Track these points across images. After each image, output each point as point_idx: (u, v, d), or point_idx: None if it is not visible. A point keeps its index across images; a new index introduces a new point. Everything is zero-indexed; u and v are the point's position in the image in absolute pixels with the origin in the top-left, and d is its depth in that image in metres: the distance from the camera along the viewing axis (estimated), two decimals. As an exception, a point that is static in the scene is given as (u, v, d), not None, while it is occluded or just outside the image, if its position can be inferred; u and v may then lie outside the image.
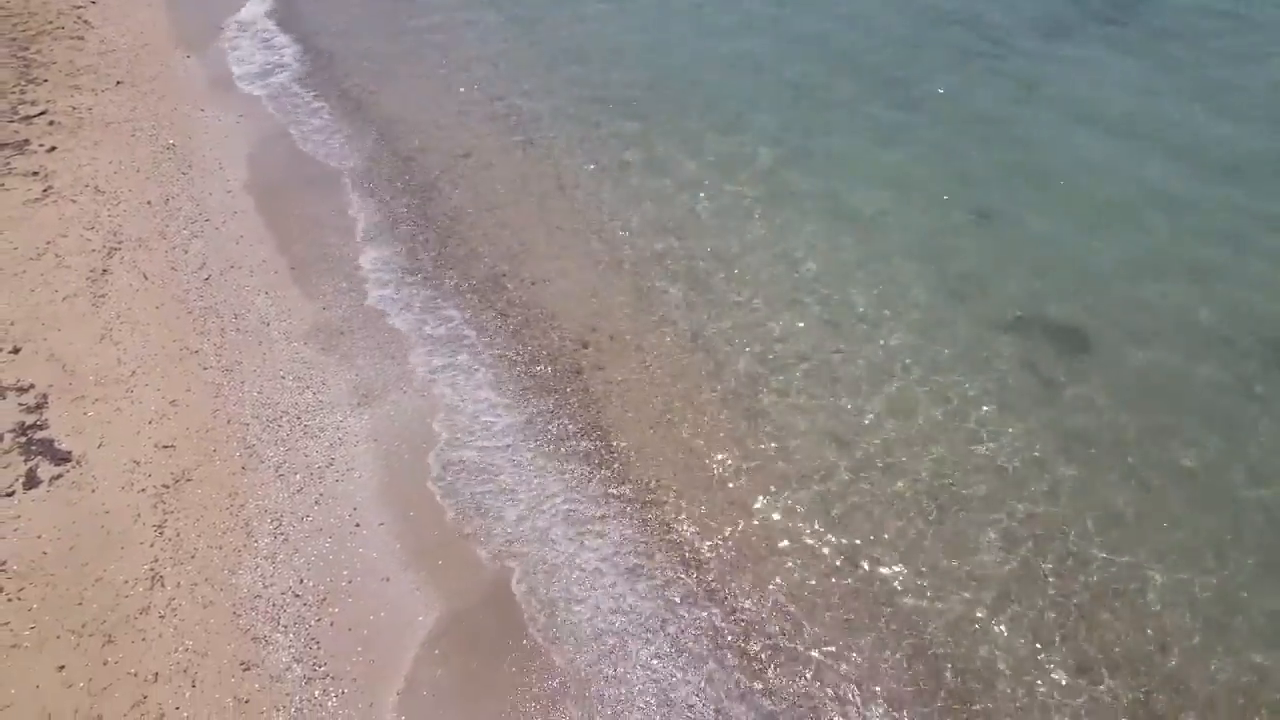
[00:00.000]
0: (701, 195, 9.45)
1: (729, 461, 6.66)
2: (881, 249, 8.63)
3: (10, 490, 6.15)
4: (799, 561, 6.00)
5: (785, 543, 6.12)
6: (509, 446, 6.75)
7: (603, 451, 6.75)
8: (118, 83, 11.29)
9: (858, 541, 6.12)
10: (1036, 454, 6.64)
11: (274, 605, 5.53)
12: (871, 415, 6.99)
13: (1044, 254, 8.46)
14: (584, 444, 6.81)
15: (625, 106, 11.00)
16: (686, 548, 6.09)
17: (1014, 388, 7.16)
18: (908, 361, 7.42)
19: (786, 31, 12.59)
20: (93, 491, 6.16)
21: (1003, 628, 5.58)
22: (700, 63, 11.91)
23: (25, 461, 6.38)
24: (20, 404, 6.78)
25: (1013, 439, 6.75)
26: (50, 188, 9.25)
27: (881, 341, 7.63)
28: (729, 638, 5.54)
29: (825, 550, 6.07)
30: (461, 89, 11.53)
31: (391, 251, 8.78)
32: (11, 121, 10.32)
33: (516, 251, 8.82)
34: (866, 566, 5.96)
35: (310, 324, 7.85)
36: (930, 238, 8.76)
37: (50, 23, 12.72)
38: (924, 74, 11.37)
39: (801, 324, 7.82)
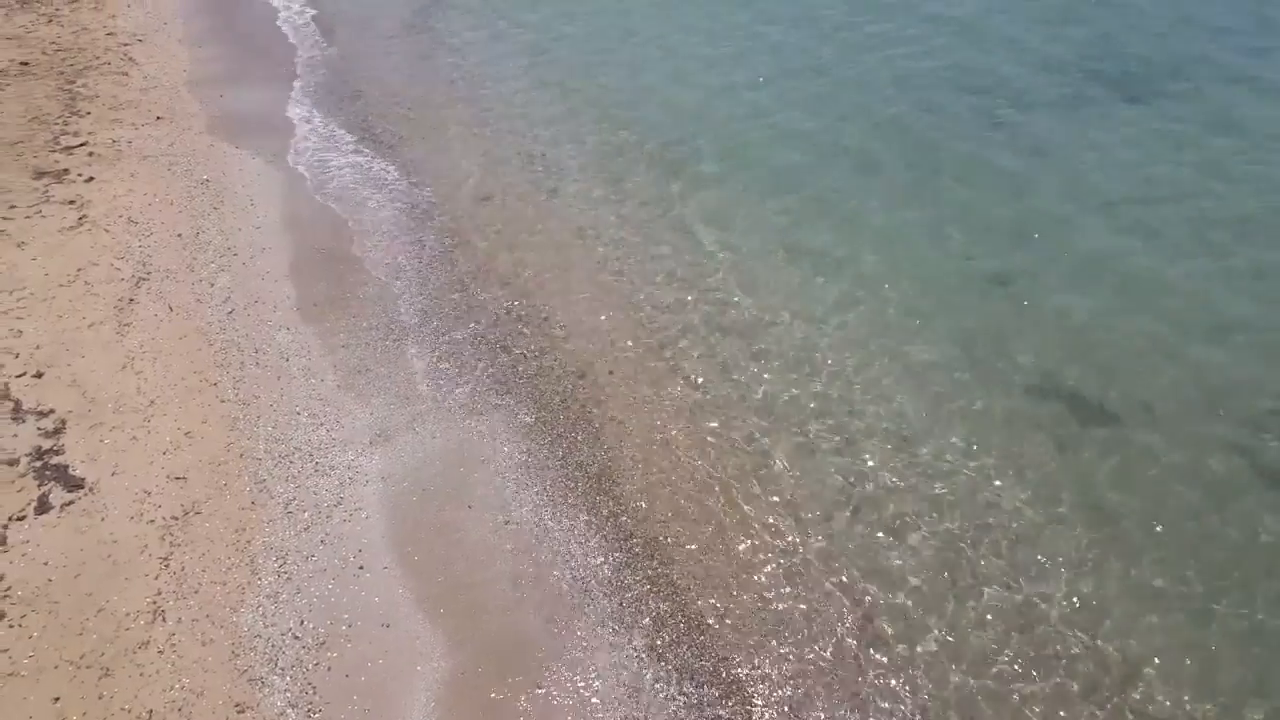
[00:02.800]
0: (719, 249, 9.49)
1: (746, 538, 6.58)
2: (898, 310, 8.61)
3: (22, 514, 6.19)
4: (802, 639, 5.89)
5: (783, 607, 6.02)
6: (517, 494, 6.72)
7: (614, 508, 6.70)
8: (157, 118, 11.59)
9: (866, 600, 6.01)
10: (1057, 527, 6.52)
11: (273, 646, 5.49)
12: (882, 476, 6.90)
13: (1064, 323, 8.40)
14: (599, 499, 6.76)
15: (653, 158, 11.11)
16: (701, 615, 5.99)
17: (1031, 457, 7.05)
18: (921, 422, 7.34)
19: (809, 89, 12.73)
20: (102, 520, 6.18)
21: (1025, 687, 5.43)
22: (729, 118, 12.04)
23: (39, 486, 6.42)
24: (39, 428, 6.85)
25: (1029, 510, 6.63)
26: (85, 216, 9.46)
27: (894, 404, 7.57)
28: None
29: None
30: (490, 135, 11.72)
31: (409, 289, 8.86)
32: (53, 151, 10.61)
33: (532, 292, 8.89)
34: (873, 623, 5.85)
35: (329, 361, 7.91)
36: (947, 300, 8.73)
37: (98, 58, 13.12)
38: (943, 137, 11.43)
39: (813, 384, 7.78)
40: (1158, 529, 6.50)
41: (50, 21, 14.36)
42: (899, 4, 15.58)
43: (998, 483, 6.86)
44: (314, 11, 15.86)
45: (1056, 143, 11.16)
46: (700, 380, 7.84)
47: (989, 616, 5.95)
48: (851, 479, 6.91)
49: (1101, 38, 13.92)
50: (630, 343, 8.29)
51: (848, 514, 6.65)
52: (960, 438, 7.23)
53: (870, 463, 7.04)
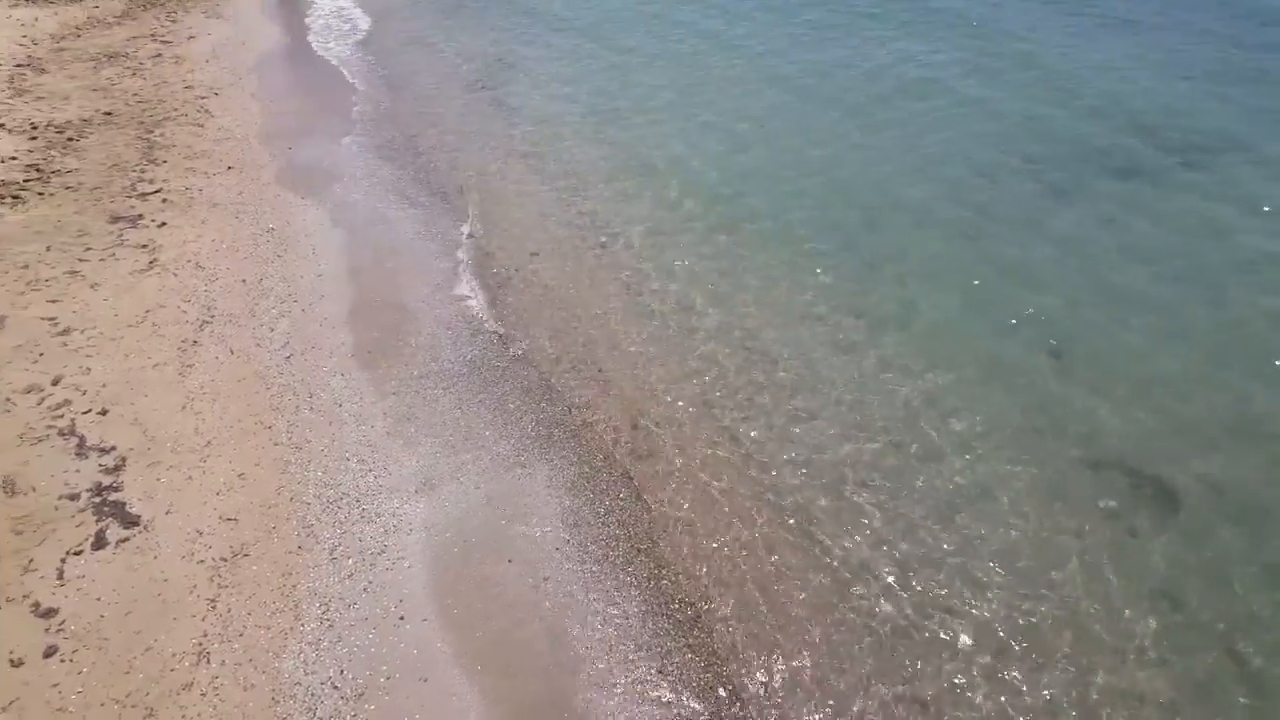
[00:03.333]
0: (765, 307, 9.50)
1: (792, 606, 6.50)
2: (953, 376, 8.51)
3: (79, 549, 6.36)
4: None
5: (831, 677, 5.90)
6: (558, 550, 6.72)
7: (655, 569, 6.67)
8: (229, 168, 12.08)
9: (909, 675, 5.86)
10: (1117, 613, 6.31)
11: (312, 695, 5.52)
12: (930, 548, 6.77)
13: (1122, 398, 8.22)
14: (640, 559, 6.74)
15: (704, 216, 11.23)
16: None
17: (1091, 537, 6.87)
18: (972, 494, 7.21)
19: (859, 153, 12.82)
20: (155, 558, 6.32)
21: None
22: (780, 179, 12.14)
23: (97, 522, 6.61)
24: (100, 465, 7.07)
25: (1089, 593, 6.44)
26: (156, 260, 9.85)
27: (949, 473, 7.45)
28: None
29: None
30: (543, 191, 11.97)
31: (459, 339, 9.01)
32: (130, 197, 11.10)
33: (579, 345, 8.98)
34: (920, 697, 5.69)
35: (379, 407, 8.05)
36: (1002, 368, 8.62)
37: (176, 110, 13.77)
38: (998, 204, 11.38)
39: (861, 448, 7.69)
40: (1220, 625, 6.26)
41: (134, 74, 15.15)
42: (941, 79, 15.70)
43: (1051, 561, 6.68)
44: (382, 71, 16.46)
45: (1114, 211, 11.05)
46: (747, 439, 7.81)
47: (1046, 694, 5.76)
48: (899, 548, 6.79)
49: (1161, 108, 13.84)
50: (677, 398, 8.31)
51: (893, 581, 6.52)
52: (1011, 511, 7.08)
53: (919, 532, 6.92)
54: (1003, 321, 9.29)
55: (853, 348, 8.93)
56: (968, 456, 7.61)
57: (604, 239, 10.92)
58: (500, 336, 9.15)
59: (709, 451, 7.70)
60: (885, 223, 11.07)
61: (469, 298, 9.74)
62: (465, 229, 11.04)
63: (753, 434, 7.87)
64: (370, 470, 7.33)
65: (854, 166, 12.49)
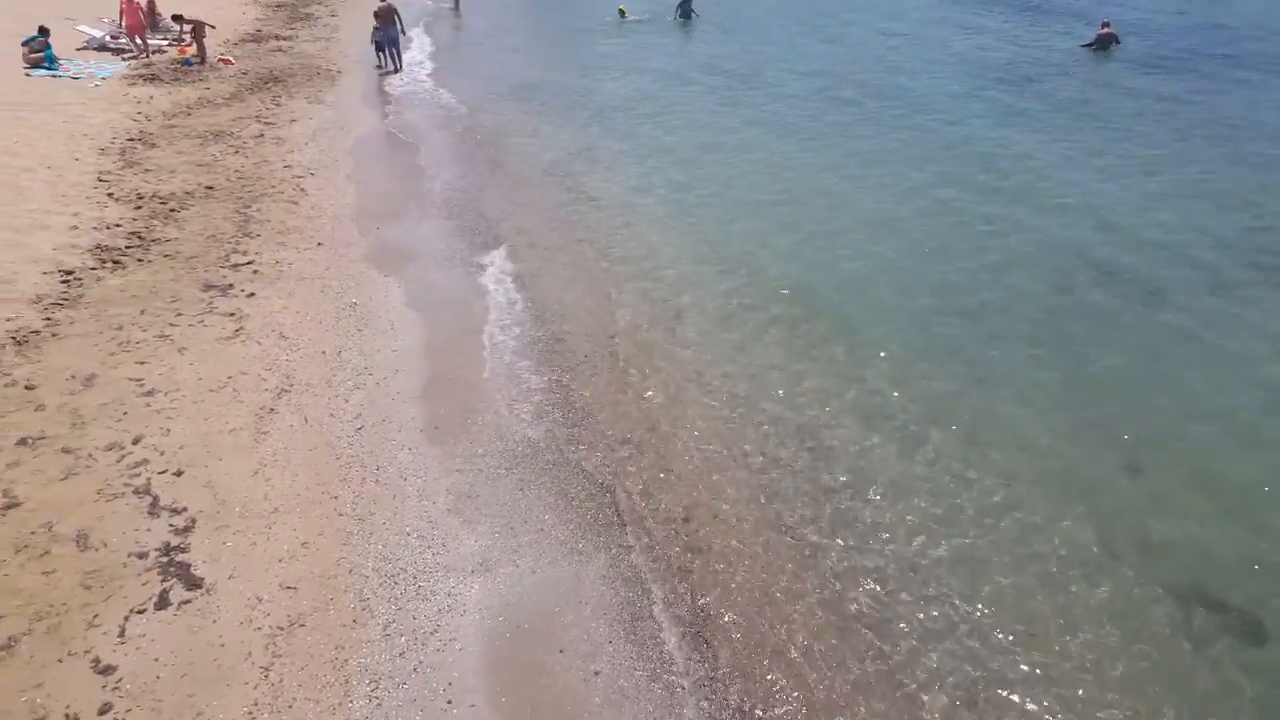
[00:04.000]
0: (839, 409, 9.40)
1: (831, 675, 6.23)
2: (1026, 488, 8.23)
3: (142, 608, 6.47)
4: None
5: (894, 802, 5.57)
6: (610, 644, 6.58)
7: (710, 671, 6.47)
8: (318, 244, 12.63)
9: (977, 816, 5.49)
10: (1193, 748, 5.89)
11: (356, 774, 5.44)
12: (1004, 665, 6.44)
13: (1204, 518, 7.84)
14: (694, 659, 6.56)
15: (781, 313, 11.26)
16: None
17: (1167, 667, 6.46)
18: (1047, 618, 6.87)
19: (937, 250, 12.80)
20: (214, 622, 6.38)
21: None
22: (864, 281, 12.15)
23: (162, 581, 6.73)
24: (170, 525, 7.24)
25: (1165, 726, 6.03)
26: (242, 329, 10.25)
27: (1022, 591, 7.13)
28: None
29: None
30: (617, 277, 12.19)
31: (524, 419, 9.09)
32: (223, 267, 11.66)
33: (643, 432, 8.96)
34: None
35: (442, 484, 8.12)
36: (1077, 481, 8.32)
37: (273, 187, 14.54)
38: (1074, 312, 11.20)
39: (932, 562, 7.43)
40: (1319, 767, 5.78)
41: (237, 152, 16.09)
42: (1017, 184, 15.71)
43: (1125, 690, 6.29)
44: (469, 158, 17.24)
45: (1196, 323, 10.77)
46: (809, 540, 7.63)
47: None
48: (968, 667, 6.47)
49: (1247, 224, 13.57)
50: (738, 492, 8.20)
51: (959, 703, 6.20)
52: (1088, 635, 6.72)
53: (990, 649, 6.60)
54: (1078, 432, 9.02)
55: (922, 453, 8.74)
56: (1041, 574, 7.29)
57: (672, 325, 11.02)
58: (564, 420, 9.20)
59: (768, 551, 7.53)
60: (957, 326, 10.95)
61: (536, 380, 9.86)
62: (539, 313, 11.25)
63: (814, 537, 7.68)
64: (429, 547, 7.35)
65: (928, 267, 12.46)
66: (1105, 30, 25.55)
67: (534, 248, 13.11)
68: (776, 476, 8.41)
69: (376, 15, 22.98)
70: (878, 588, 7.14)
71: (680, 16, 29.81)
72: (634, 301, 11.65)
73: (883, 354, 10.37)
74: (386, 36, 23.08)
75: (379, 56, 23.62)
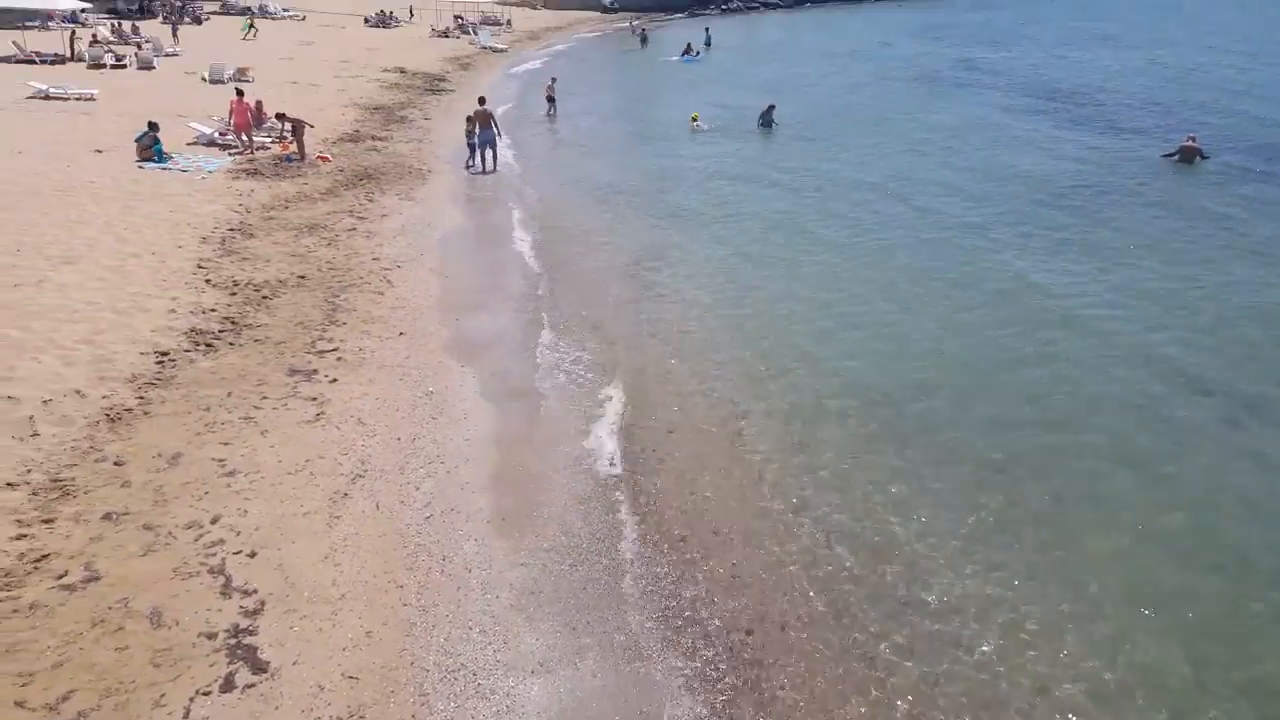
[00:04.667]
0: (920, 526, 9.11)
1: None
2: (1135, 621, 7.77)
3: (208, 690, 6.50)
4: None
5: None
6: (674, 755, 6.34)
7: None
8: (400, 333, 13.04)
9: None
10: None
11: None
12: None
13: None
14: (754, 771, 6.27)
15: (854, 422, 11.10)
16: None
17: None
18: (1141, 757, 6.40)
19: (1034, 381, 12.53)
20: (276, 709, 6.37)
21: None
22: (943, 391, 11.96)
23: (229, 664, 6.77)
24: (241, 607, 7.32)
25: None
26: (323, 413, 10.54)
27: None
28: None
29: None
30: (686, 376, 12.23)
31: (587, 513, 9.05)
32: (309, 353, 12.09)
33: (705, 534, 8.80)
34: None
35: (506, 578, 8.08)
36: (1189, 612, 7.84)
37: (361, 278, 15.15)
38: (1174, 432, 10.77)
39: (1036, 683, 7.03)
40: None
41: (329, 244, 16.87)
42: (1107, 300, 15.42)
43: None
44: (547, 256, 17.72)
45: (1296, 449, 10.25)
46: (886, 663, 7.30)
47: None
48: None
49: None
50: (804, 602, 7.94)
51: None
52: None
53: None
54: (1187, 559, 8.54)
55: (1020, 582, 8.33)
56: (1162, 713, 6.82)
57: (738, 425, 10.94)
58: (630, 518, 9.13)
59: (837, 666, 7.23)
60: (1050, 448, 10.56)
61: (605, 475, 9.86)
62: (607, 406, 11.32)
63: (889, 654, 7.35)
64: (490, 643, 7.27)
65: (994, 378, 12.20)
66: (1190, 143, 24.63)
67: (604, 343, 13.29)
68: (845, 588, 8.13)
69: (474, 119, 24.19)
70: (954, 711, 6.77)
71: (761, 125, 30.48)
72: (701, 398, 11.66)
73: (951, 461, 10.10)
74: (484, 139, 24.22)
75: (471, 157, 24.73)
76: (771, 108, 30.90)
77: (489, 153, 24.51)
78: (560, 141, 30.70)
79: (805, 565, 8.45)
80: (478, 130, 24.16)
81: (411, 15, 68.08)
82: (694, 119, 31.51)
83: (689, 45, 54.75)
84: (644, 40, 64.92)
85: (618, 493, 9.55)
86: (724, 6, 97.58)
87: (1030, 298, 15.07)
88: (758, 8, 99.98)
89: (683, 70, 49.92)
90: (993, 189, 22.52)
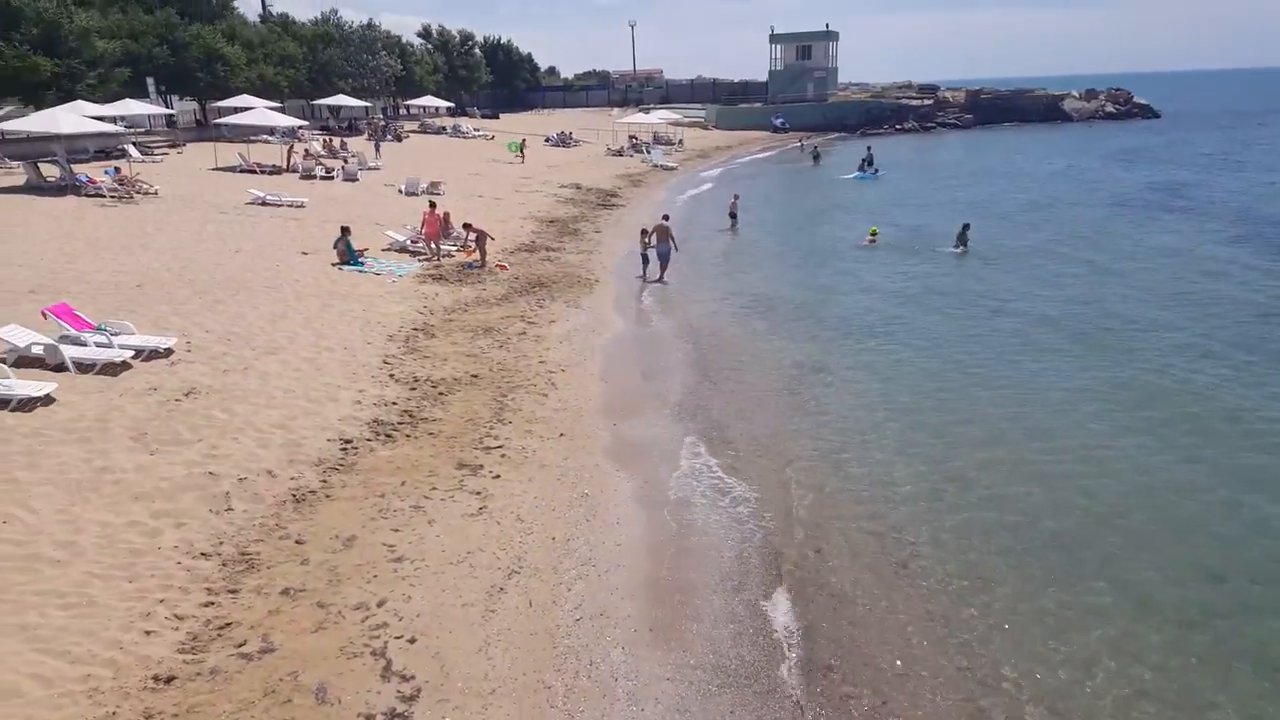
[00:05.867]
0: (1101, 675, 8.35)
1: None
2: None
3: (362, 771, 6.70)
4: None
5: None
6: None
7: None
8: (560, 435, 13.47)
9: None
10: None
11: None
12: None
13: None
14: None
15: (1030, 554, 10.45)
16: None
17: None
18: None
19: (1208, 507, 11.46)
20: (423, 798, 6.47)
21: None
22: (1121, 519, 11.11)
23: (382, 748, 6.97)
24: (399, 691, 7.56)
25: None
26: (485, 507, 10.96)
27: None
28: None
29: None
30: (846, 496, 11.91)
31: (734, 634, 8.82)
32: (476, 449, 12.68)
33: (861, 670, 8.37)
34: None
35: (652, 691, 7.97)
36: None
37: (528, 380, 15.87)
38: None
39: None
40: None
41: (501, 346, 17.83)
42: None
43: None
44: (706, 366, 17.93)
45: None
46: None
47: None
48: None
49: None
50: (971, 755, 7.37)
51: None
52: None
53: None
54: None
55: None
56: None
57: (904, 560, 10.44)
58: (783, 645, 8.83)
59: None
60: (1255, 604, 9.57)
61: (755, 595, 9.65)
62: (761, 522, 11.16)
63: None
64: (634, 757, 7.14)
65: (1222, 532, 11.17)
66: None
67: (762, 458, 13.19)
68: (1018, 741, 7.50)
69: (654, 232, 25.41)
70: None
71: (956, 246, 29.47)
72: (862, 521, 11.28)
73: (1144, 614, 9.23)
74: (661, 251, 25.28)
75: (644, 268, 25.76)
76: (966, 227, 29.69)
77: (663, 264, 25.45)
78: (730, 254, 31.40)
79: (961, 709, 7.88)
80: (655, 242, 25.30)
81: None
82: (872, 234, 31.23)
83: (864, 161, 54.68)
84: (816, 158, 66.10)
85: (768, 614, 9.31)
86: (898, 125, 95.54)
87: (1233, 435, 13.86)
88: (934, 127, 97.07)
89: (857, 188, 50.16)
90: (1191, 318, 21.04)
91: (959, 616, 9.27)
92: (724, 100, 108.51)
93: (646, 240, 25.55)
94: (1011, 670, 8.39)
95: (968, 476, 12.52)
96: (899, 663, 8.54)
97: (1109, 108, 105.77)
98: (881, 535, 10.95)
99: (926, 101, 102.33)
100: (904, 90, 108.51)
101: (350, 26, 76.43)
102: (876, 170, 53.65)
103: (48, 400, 12.54)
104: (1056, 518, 11.25)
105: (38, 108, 40.56)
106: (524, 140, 58.45)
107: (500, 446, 12.84)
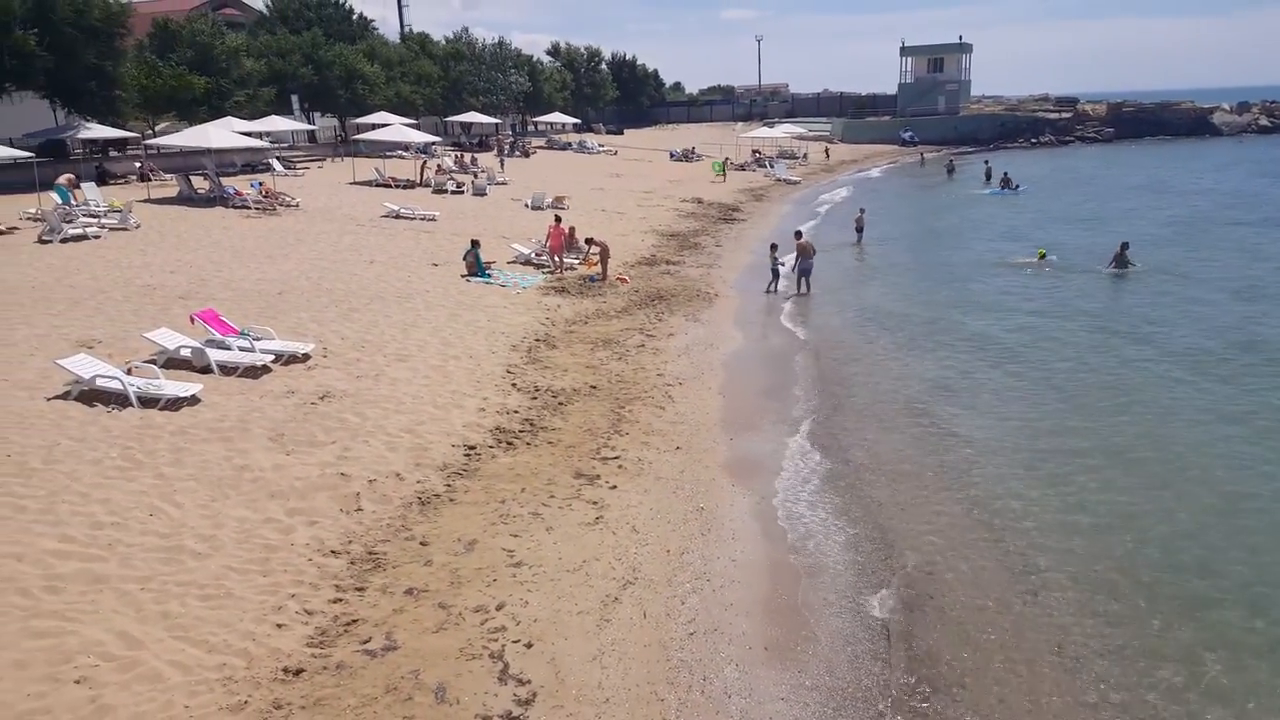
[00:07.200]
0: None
1: None
2: None
3: (477, 772, 6.83)
4: None
5: None
6: None
7: None
8: (677, 448, 13.48)
9: None
10: None
11: None
12: None
13: None
14: None
15: (1171, 590, 9.75)
16: None
17: None
18: None
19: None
20: (536, 802, 6.54)
21: None
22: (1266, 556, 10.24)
23: (498, 749, 7.09)
24: (515, 695, 7.69)
25: None
26: (601, 517, 11.06)
27: None
28: None
29: None
30: (970, 524, 11.41)
31: (860, 662, 8.55)
32: (593, 459, 12.82)
33: (993, 702, 7.96)
34: None
35: (766, 711, 7.83)
36: None
37: (645, 392, 15.95)
38: None
39: None
40: None
41: (620, 359, 18.01)
42: None
43: None
44: (826, 383, 17.63)
45: None
46: None
47: None
48: None
49: None
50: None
51: None
52: None
53: None
54: None
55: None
56: None
57: (1033, 589, 9.89)
58: (901, 671, 8.52)
59: None
60: None
61: (874, 619, 9.35)
62: (880, 543, 10.83)
63: None
64: (747, 777, 7.02)
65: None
66: None
67: (882, 477, 12.82)
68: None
69: (797, 249, 25.83)
70: None
71: (1114, 265, 27.51)
72: (988, 547, 10.77)
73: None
74: (802, 266, 25.50)
75: (772, 283, 25.84)
76: (1125, 246, 27.56)
77: (805, 279, 25.58)
78: (855, 269, 30.77)
79: (1107, 754, 7.39)
80: (797, 258, 25.54)
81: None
82: (1040, 255, 29.38)
83: (1004, 176, 52.39)
84: (950, 170, 64.16)
85: (887, 640, 8.99)
86: (1033, 140, 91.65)
87: None
88: (1071, 141, 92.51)
89: (993, 203, 48.36)
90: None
91: (1089, 651, 8.71)
92: (851, 114, 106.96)
93: (776, 255, 25.65)
94: (1158, 680, 7.80)
95: (1103, 508, 11.75)
96: (1026, 700, 8.08)
97: (1263, 120, 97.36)
98: (1009, 564, 10.42)
99: (1064, 115, 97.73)
100: (1040, 103, 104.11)
101: (482, 45, 79.42)
102: (1017, 186, 51.23)
103: (194, 400, 13.45)
104: (1201, 558, 10.43)
105: (191, 123, 43.89)
106: (727, 159, 59.21)
107: (617, 457, 12.95)
